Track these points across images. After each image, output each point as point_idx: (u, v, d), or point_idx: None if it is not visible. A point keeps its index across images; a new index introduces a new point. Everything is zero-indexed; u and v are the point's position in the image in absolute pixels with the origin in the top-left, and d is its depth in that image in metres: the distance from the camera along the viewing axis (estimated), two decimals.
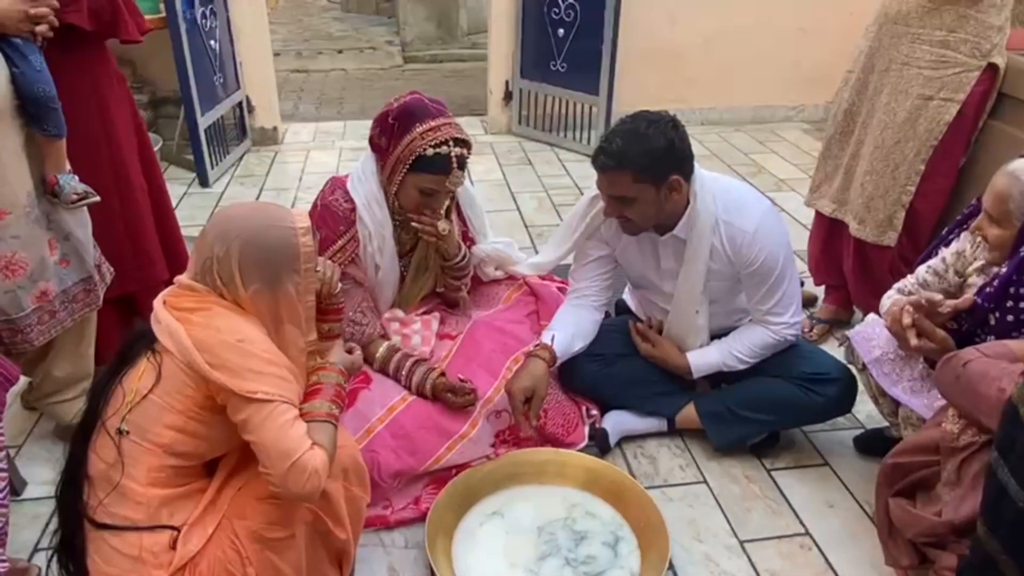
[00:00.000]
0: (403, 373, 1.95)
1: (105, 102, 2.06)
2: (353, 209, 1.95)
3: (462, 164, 1.90)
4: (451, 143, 1.86)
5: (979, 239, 1.73)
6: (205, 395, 1.30)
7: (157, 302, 1.36)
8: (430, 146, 1.84)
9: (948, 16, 2.16)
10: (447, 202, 2.02)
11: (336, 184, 1.99)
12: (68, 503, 1.35)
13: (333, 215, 1.95)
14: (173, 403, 1.30)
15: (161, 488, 1.33)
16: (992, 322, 1.61)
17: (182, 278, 1.38)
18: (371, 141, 1.97)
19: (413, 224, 1.95)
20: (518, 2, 4.46)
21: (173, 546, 1.32)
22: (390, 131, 1.88)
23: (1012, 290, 1.56)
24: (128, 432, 1.30)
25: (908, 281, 1.91)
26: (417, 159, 1.85)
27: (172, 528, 1.33)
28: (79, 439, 1.36)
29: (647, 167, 1.79)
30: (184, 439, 1.33)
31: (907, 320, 1.60)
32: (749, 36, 4.82)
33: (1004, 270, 1.62)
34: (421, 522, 1.80)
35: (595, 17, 4.20)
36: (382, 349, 1.98)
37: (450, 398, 1.90)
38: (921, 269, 1.90)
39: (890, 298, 1.90)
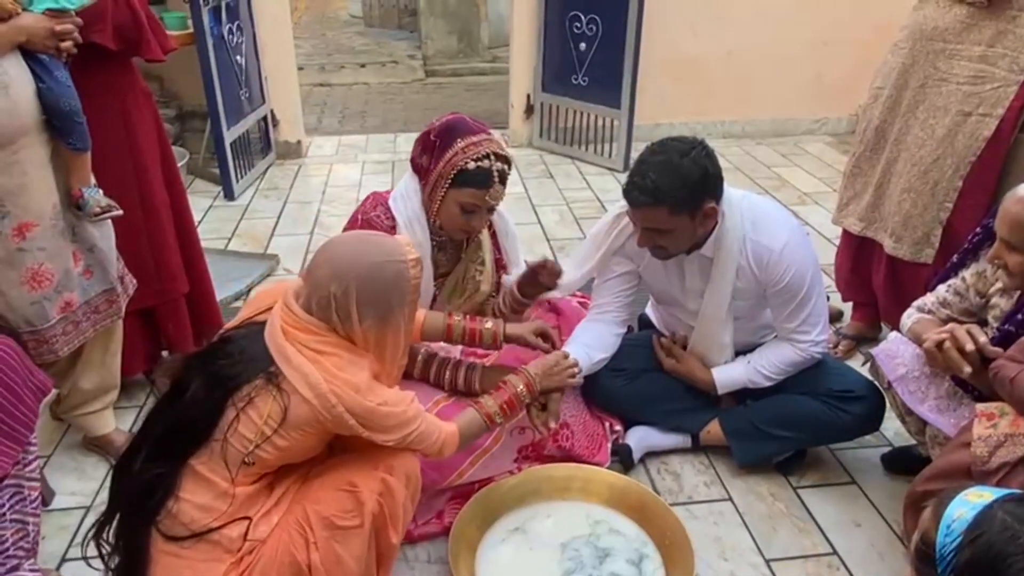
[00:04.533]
0: (446, 374, 1.96)
1: (130, 118, 2.09)
2: (394, 227, 1.94)
3: (503, 179, 1.91)
4: (492, 157, 1.86)
5: (998, 268, 1.70)
6: (326, 431, 1.38)
7: (276, 332, 1.36)
8: (472, 160, 1.84)
9: (987, 31, 2.14)
10: (486, 224, 2.03)
11: (378, 200, 1.99)
12: (141, 515, 1.37)
13: (374, 231, 1.94)
14: (289, 433, 1.35)
15: (249, 486, 1.39)
16: None
17: (293, 303, 1.38)
18: (412, 162, 1.97)
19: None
20: (540, 16, 4.49)
21: (246, 534, 1.37)
22: (432, 148, 1.88)
23: None
24: (253, 463, 1.35)
25: (928, 299, 1.88)
26: (459, 173, 1.85)
27: (247, 518, 1.38)
28: (174, 451, 1.37)
29: (684, 200, 1.76)
30: (288, 455, 1.40)
31: (966, 367, 1.57)
32: (771, 48, 4.81)
33: None
34: (444, 537, 1.80)
35: (617, 31, 4.21)
36: (421, 354, 1.97)
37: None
38: (941, 288, 1.87)
39: (910, 316, 1.88)
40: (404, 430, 1.42)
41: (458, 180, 1.86)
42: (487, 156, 1.85)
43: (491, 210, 1.96)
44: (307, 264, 1.54)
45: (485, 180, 1.86)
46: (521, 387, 1.75)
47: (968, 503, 0.99)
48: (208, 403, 1.35)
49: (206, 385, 1.36)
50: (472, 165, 1.84)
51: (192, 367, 1.40)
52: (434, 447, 1.52)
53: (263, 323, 1.42)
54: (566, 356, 1.88)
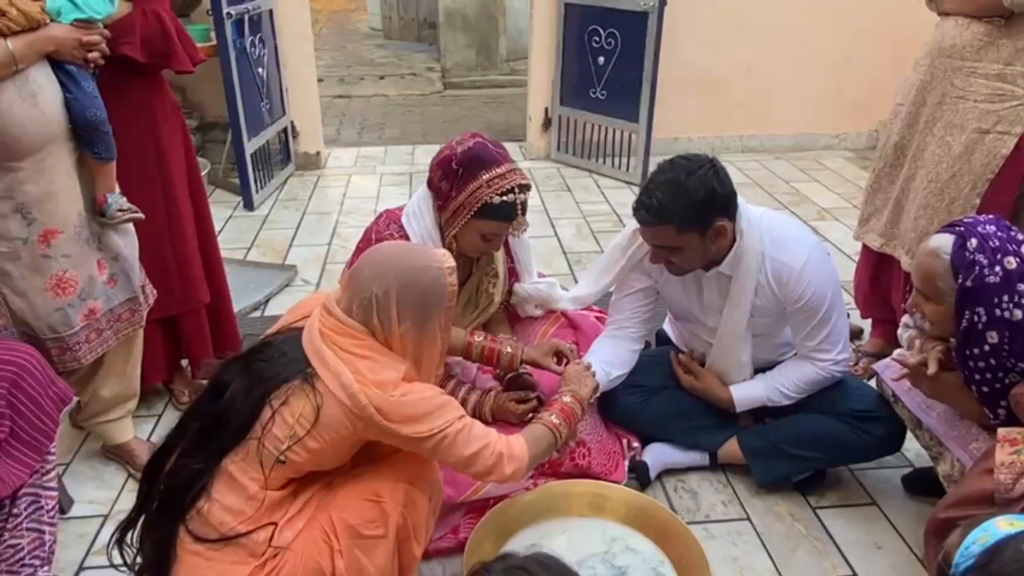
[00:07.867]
0: (457, 397, 1.96)
1: (158, 130, 2.11)
2: None
3: (525, 209, 1.90)
4: (517, 190, 1.85)
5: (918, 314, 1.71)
6: (359, 434, 1.38)
7: (314, 335, 1.37)
8: (497, 194, 1.82)
9: (1005, 49, 2.12)
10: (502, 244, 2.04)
11: (390, 218, 1.98)
12: (174, 511, 1.37)
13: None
14: (322, 434, 1.35)
15: (277, 491, 1.40)
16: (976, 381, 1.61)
17: (333, 307, 1.40)
18: (430, 183, 1.94)
19: None
20: (559, 31, 4.50)
21: (271, 539, 1.37)
22: (453, 177, 1.85)
23: (971, 361, 1.57)
24: (285, 462, 1.36)
25: (907, 318, 1.88)
26: (483, 206, 1.83)
27: (273, 523, 1.38)
28: (210, 452, 1.37)
29: (690, 218, 1.76)
30: (317, 460, 1.40)
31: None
32: (791, 63, 4.80)
33: (955, 342, 1.62)
34: (459, 552, 1.79)
35: (636, 45, 4.22)
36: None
37: (514, 407, 1.94)
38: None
39: (907, 330, 1.87)
40: (434, 421, 1.38)
41: (481, 213, 1.84)
42: (512, 190, 1.84)
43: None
44: (348, 271, 1.55)
45: (510, 214, 1.86)
46: (568, 398, 1.75)
47: (995, 529, 0.97)
48: (247, 402, 1.36)
49: (246, 385, 1.37)
50: (497, 200, 1.82)
51: (231, 369, 1.42)
52: (489, 458, 1.46)
53: (302, 328, 1.43)
54: (579, 362, 1.90)
